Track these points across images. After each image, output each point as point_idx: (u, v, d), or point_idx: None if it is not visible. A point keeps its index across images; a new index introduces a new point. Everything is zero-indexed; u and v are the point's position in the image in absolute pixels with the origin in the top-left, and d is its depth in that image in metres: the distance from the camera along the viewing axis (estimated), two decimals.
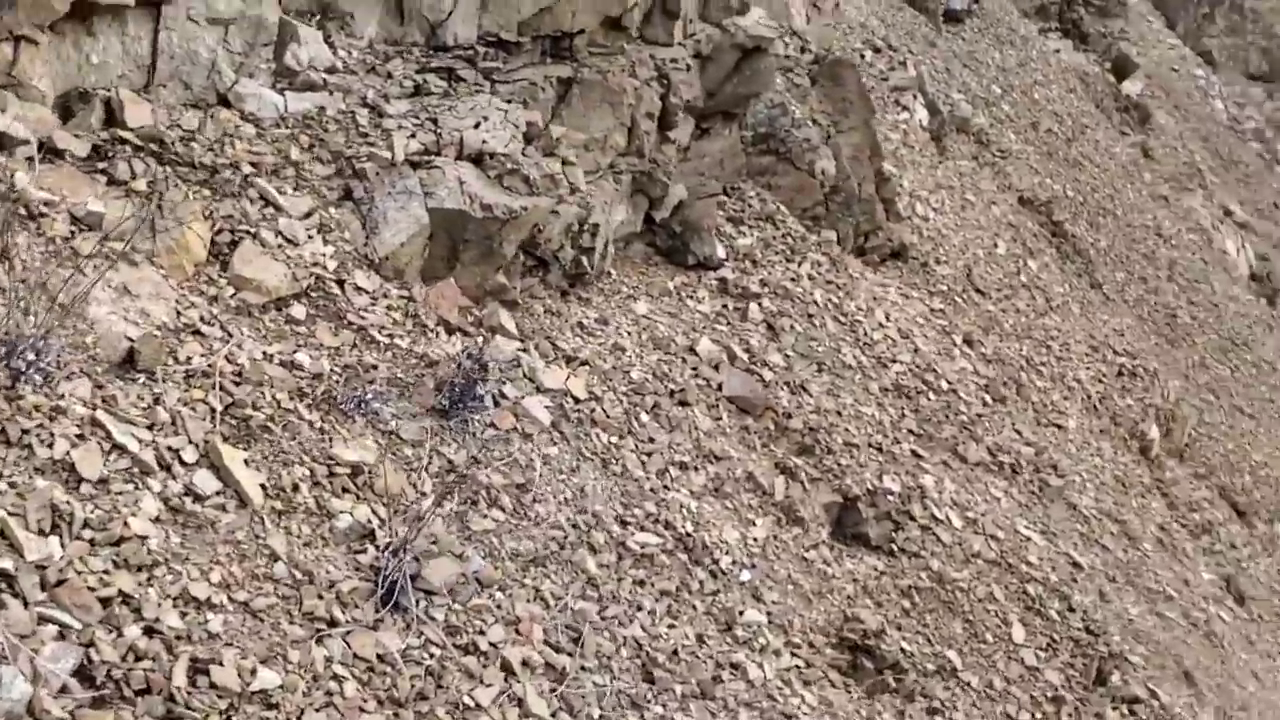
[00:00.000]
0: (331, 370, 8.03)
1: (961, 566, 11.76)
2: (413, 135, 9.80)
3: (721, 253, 13.16)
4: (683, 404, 10.49)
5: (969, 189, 25.49)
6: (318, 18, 9.97)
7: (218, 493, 6.59)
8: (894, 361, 13.49)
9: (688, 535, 9.20)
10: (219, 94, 9.07)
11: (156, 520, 6.18)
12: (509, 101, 10.74)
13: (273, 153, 8.90)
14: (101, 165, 7.84)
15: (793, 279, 13.34)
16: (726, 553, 9.43)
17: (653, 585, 8.58)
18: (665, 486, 9.50)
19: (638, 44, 12.30)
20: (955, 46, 33.34)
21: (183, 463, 6.55)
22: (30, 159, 7.43)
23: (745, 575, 9.47)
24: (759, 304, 12.62)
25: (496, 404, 8.98)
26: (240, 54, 9.21)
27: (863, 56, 25.71)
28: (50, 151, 7.65)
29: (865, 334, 13.45)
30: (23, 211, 7.04)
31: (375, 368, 8.37)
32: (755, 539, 9.92)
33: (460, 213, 9.62)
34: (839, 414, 12.09)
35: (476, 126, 10.16)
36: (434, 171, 9.64)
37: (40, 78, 7.86)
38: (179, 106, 8.74)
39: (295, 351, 7.91)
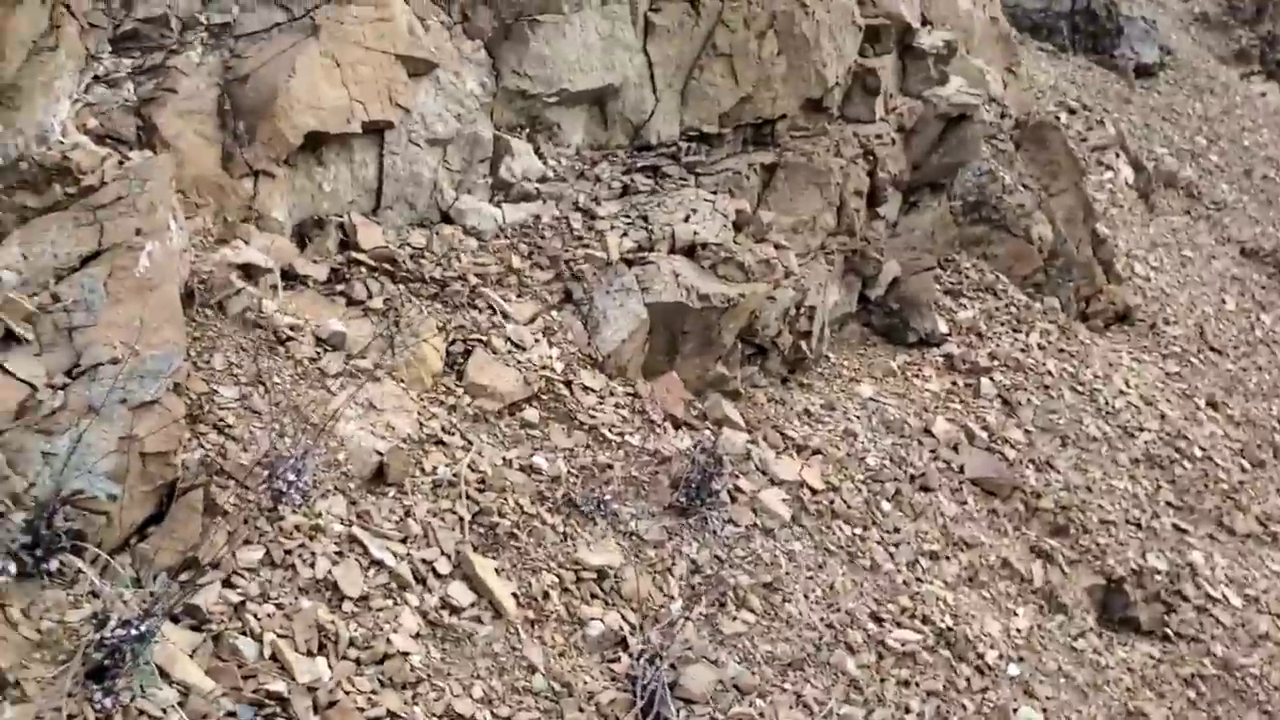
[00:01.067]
0: (569, 472, 7.90)
1: (1249, 650, 10.62)
2: (625, 234, 9.77)
3: (943, 327, 12.59)
4: (925, 489, 9.91)
5: (1186, 245, 24.05)
6: (527, 130, 10.13)
7: (472, 604, 6.47)
8: (1141, 430, 12.55)
9: (948, 629, 8.57)
10: (441, 211, 9.25)
11: (417, 636, 6.08)
12: (715, 192, 10.62)
13: (495, 263, 8.98)
14: (340, 287, 8.04)
15: (1022, 350, 12.63)
16: (991, 646, 8.73)
17: (918, 685, 7.98)
18: (917, 579, 8.92)
19: (839, 123, 12.06)
20: (1151, 100, 31.95)
21: (437, 575, 6.47)
22: (274, 286, 7.66)
23: (1013, 669, 8.73)
24: (990, 378, 11.96)
25: (733, 499, 8.66)
26: (459, 171, 9.40)
27: (1058, 118, 24.87)
28: (292, 278, 7.88)
29: (1106, 402, 12.57)
30: (272, 337, 7.22)
31: (610, 467, 8.20)
32: (1019, 630, 9.17)
33: (678, 305, 9.48)
34: (1090, 490, 11.23)
35: (686, 219, 10.06)
36: (649, 267, 9.55)
37: (278, 208, 8.16)
38: (406, 226, 8.95)
39: (533, 455, 7.82)
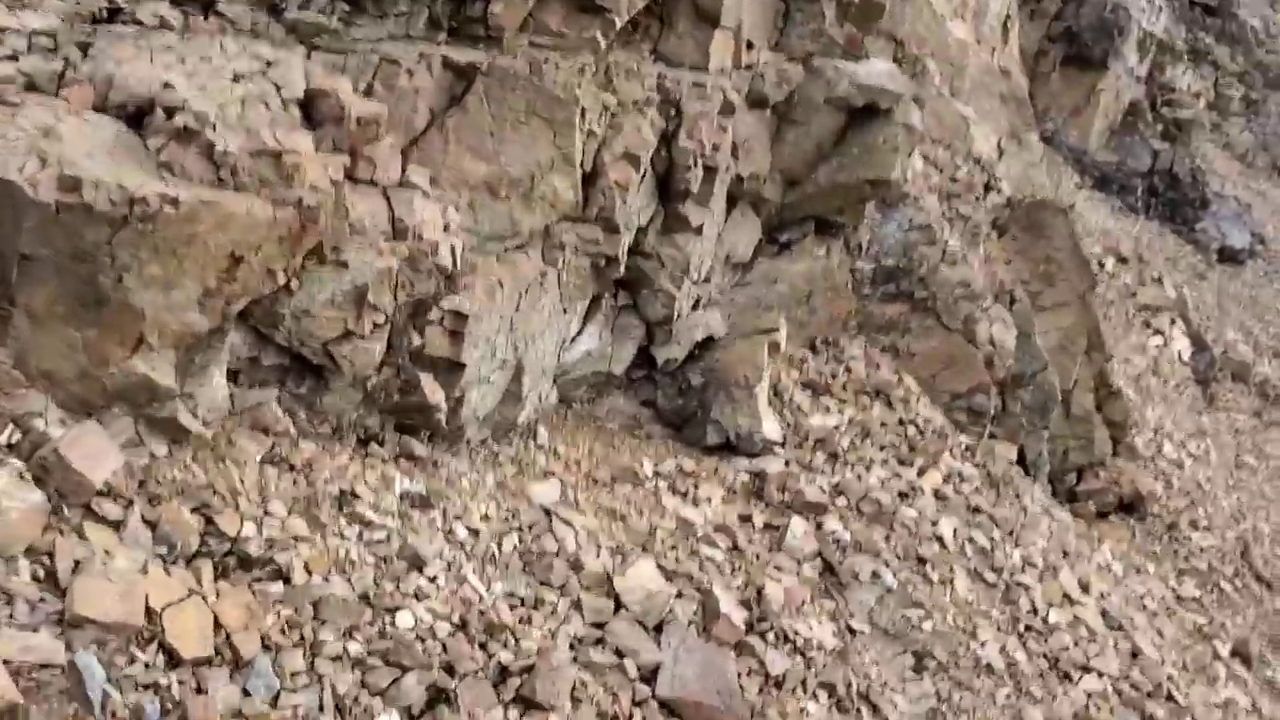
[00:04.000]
0: None
1: None
2: None
3: (773, 431, 7.37)
4: None
5: (1249, 450, 18.38)
6: None
7: None
8: (1083, 673, 7.02)
9: None
10: None
11: None
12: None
13: None
14: None
15: (901, 494, 7.33)
16: None
17: None
18: None
19: (630, 50, 7.16)
20: (1232, 287, 26.63)
21: None
22: None
23: None
24: (816, 522, 6.68)
25: None
26: None
27: (1101, 265, 19.68)
28: None
29: (1032, 606, 7.12)
30: None
31: None
32: None
33: None
34: None
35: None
36: None
37: None
38: None
39: None
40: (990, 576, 7.08)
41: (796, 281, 8.54)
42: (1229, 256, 27.88)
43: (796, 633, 5.87)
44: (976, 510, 7.65)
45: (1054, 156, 24.85)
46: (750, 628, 5.81)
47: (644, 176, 6.86)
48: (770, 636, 5.81)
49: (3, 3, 5.02)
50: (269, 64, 5.31)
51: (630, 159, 6.71)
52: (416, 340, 5.59)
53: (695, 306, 7.81)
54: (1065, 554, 8.16)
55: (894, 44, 11.98)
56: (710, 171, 7.28)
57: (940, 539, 7.11)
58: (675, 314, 7.27)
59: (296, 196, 4.79)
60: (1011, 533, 7.75)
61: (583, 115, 6.47)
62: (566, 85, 6.41)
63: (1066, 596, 7.34)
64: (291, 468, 5.24)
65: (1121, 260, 19.83)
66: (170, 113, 4.72)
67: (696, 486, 6.64)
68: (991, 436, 9.86)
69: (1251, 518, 14.07)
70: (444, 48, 6.34)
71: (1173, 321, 19.24)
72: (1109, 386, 12.19)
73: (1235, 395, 20.56)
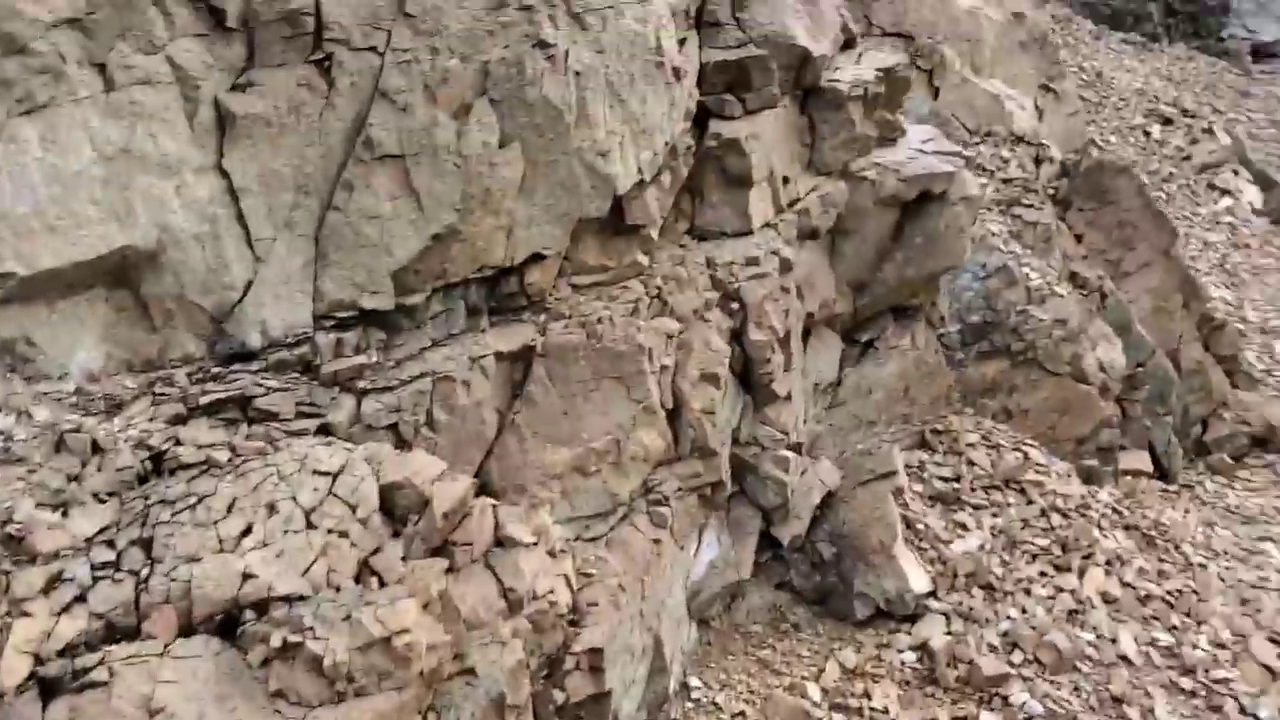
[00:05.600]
0: None
1: None
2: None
3: (920, 582, 6.97)
4: None
5: None
6: None
7: None
8: None
9: None
10: None
11: None
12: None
13: None
14: None
15: (1071, 613, 6.91)
16: None
17: None
18: None
19: (672, 244, 6.63)
20: (1278, 89, 25.28)
21: None
22: None
23: None
24: (1008, 705, 6.29)
25: None
26: None
27: (1147, 134, 18.63)
28: None
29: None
30: None
31: None
32: None
33: None
34: None
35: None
36: None
37: None
38: None
39: None
40: (1186, 684, 6.69)
41: (891, 383, 8.05)
42: (1263, 54, 26.57)
43: None
44: (1147, 600, 7.23)
45: (1065, 12, 23.63)
46: None
47: (725, 389, 6.39)
48: None
49: (49, 506, 4.66)
50: (334, 476, 4.89)
51: (708, 379, 6.22)
52: (559, 697, 5.25)
53: (798, 453, 7.37)
54: (1243, 601, 7.68)
55: (905, 40, 11.20)
56: (785, 344, 6.77)
57: (1125, 658, 6.72)
58: (789, 494, 6.85)
59: (417, 671, 4.42)
60: (1189, 612, 7.31)
61: (650, 356, 5.99)
62: (627, 336, 5.92)
63: (1267, 669, 6.94)
64: None
65: (1167, 122, 18.83)
66: (261, 609, 4.36)
67: (869, 695, 6.29)
68: (1121, 448, 9.40)
69: None
70: (491, 335, 5.87)
71: (1236, 172, 18.30)
72: (1212, 322, 11.57)
73: None
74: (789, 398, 6.95)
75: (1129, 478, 9.03)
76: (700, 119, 6.86)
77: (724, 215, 6.87)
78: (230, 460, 4.96)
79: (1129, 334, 9.74)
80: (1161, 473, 9.81)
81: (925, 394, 8.25)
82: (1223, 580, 7.64)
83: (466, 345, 5.79)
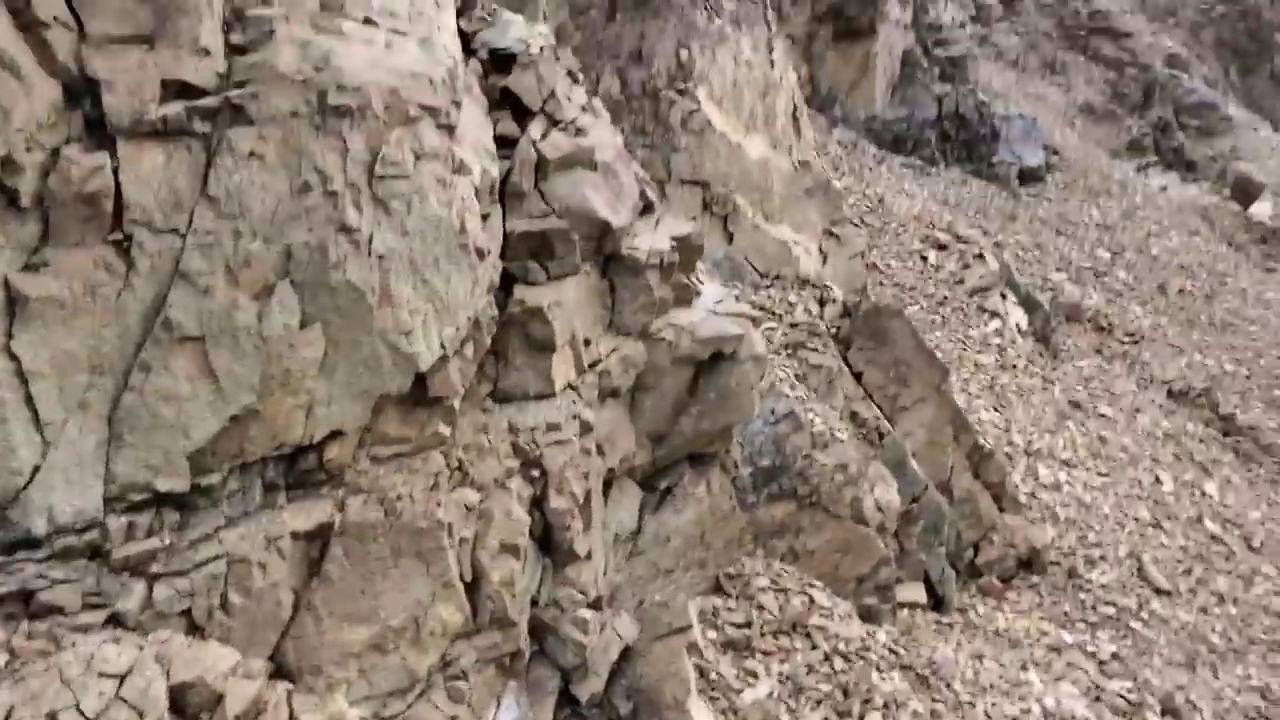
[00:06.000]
0: None
1: None
2: None
3: None
4: None
5: (1101, 396, 19.11)
6: None
7: None
8: None
9: None
10: None
11: None
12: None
13: None
14: None
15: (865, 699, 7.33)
16: None
17: None
18: None
19: (477, 411, 6.80)
20: (1041, 211, 27.46)
21: None
22: None
23: None
24: None
25: None
26: None
27: (924, 259, 20.05)
28: None
29: None
30: None
31: None
32: None
33: None
34: None
35: None
36: None
37: None
38: None
39: None
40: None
41: (688, 530, 8.38)
42: (1029, 177, 29.04)
43: None
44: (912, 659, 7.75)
45: (849, 135, 25.23)
46: None
47: (525, 559, 6.57)
48: None
49: None
50: (122, 679, 4.79)
51: (508, 549, 6.39)
52: None
53: (599, 608, 7.58)
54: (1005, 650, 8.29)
55: (700, 188, 11.83)
56: (585, 506, 7.02)
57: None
58: (587, 654, 7.03)
59: None
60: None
61: (449, 531, 6.12)
62: (428, 512, 6.04)
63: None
64: None
65: (941, 248, 20.28)
66: None
67: None
68: (898, 581, 9.99)
69: (1130, 508, 14.69)
70: (289, 512, 5.87)
71: (1003, 295, 19.84)
72: (981, 450, 12.49)
73: (1074, 339, 21.51)
74: (589, 556, 7.17)
75: (905, 612, 9.63)
76: (505, 281, 7.10)
77: (527, 378, 7.09)
78: (8, 664, 4.79)
79: (904, 470, 10.43)
80: (937, 601, 10.48)
81: (720, 538, 8.62)
82: (989, 717, 8.22)
83: (263, 524, 5.77)
